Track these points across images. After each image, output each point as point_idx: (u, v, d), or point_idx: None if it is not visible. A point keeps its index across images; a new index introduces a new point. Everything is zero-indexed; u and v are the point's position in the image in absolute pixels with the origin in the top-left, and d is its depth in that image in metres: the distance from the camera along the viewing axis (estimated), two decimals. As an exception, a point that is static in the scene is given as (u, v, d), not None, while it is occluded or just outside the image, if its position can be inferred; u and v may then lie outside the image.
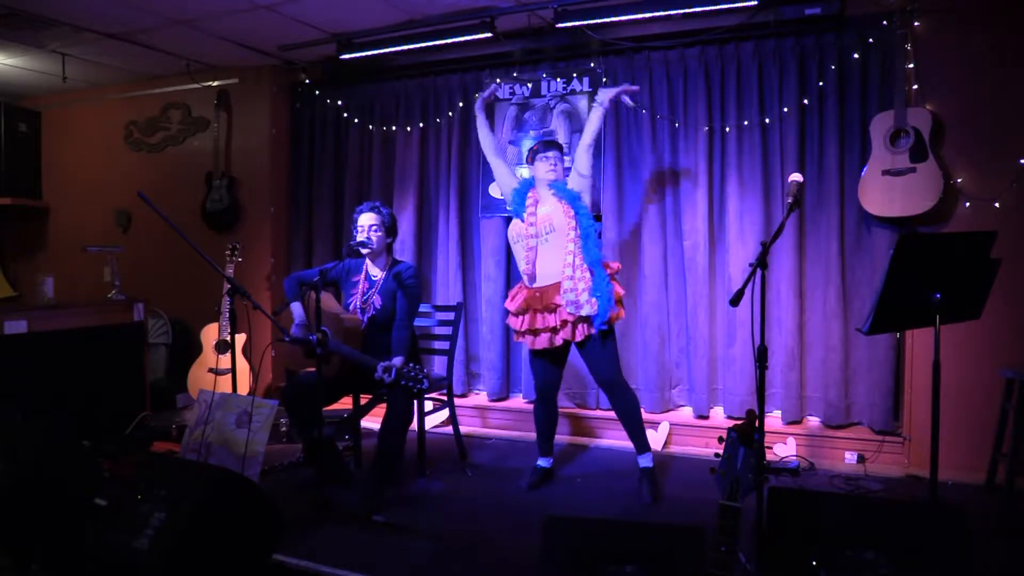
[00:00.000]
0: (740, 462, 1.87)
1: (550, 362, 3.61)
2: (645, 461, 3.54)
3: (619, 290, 3.49)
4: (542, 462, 3.77)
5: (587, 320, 3.39)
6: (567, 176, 3.64)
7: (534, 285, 3.52)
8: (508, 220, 4.87)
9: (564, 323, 3.41)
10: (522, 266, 3.55)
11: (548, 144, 3.63)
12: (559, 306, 3.40)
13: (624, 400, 3.52)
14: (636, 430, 3.54)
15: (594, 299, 3.36)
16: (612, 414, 4.51)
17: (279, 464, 3.97)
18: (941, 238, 3.06)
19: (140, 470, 2.62)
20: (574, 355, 3.65)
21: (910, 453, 3.84)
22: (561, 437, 4.56)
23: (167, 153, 5.84)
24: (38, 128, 6.19)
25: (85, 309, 4.45)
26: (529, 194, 3.59)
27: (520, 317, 3.54)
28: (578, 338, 3.42)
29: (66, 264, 5.84)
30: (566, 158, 3.88)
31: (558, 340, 3.45)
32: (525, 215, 3.54)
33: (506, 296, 4.95)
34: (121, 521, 2.44)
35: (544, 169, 3.57)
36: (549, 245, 3.46)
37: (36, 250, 6.42)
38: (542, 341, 3.48)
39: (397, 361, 3.38)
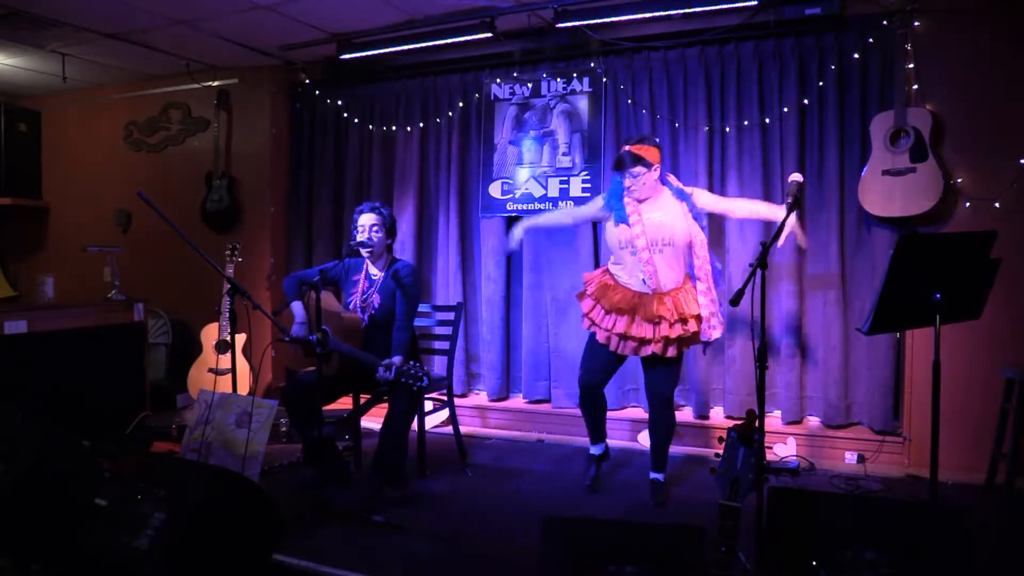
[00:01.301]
0: (740, 462, 1.87)
1: (615, 363, 3.46)
2: (657, 476, 3.45)
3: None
4: (596, 450, 3.63)
5: (683, 340, 3.29)
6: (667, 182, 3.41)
7: (651, 290, 3.29)
8: (508, 220, 4.91)
9: (663, 339, 3.25)
10: (636, 276, 3.32)
11: (636, 158, 3.26)
12: (663, 319, 3.24)
13: (667, 420, 3.43)
14: (663, 450, 3.45)
15: (722, 324, 3.32)
16: (614, 415, 4.54)
17: (279, 464, 3.97)
18: (941, 238, 3.06)
19: (140, 470, 2.62)
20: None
21: (910, 453, 3.84)
22: (562, 438, 4.57)
23: (167, 153, 5.84)
24: (38, 128, 6.19)
25: (85, 309, 4.45)
26: (626, 199, 3.34)
27: (612, 315, 3.33)
28: (670, 354, 3.29)
29: (66, 264, 5.84)
30: (652, 170, 3.32)
31: (646, 351, 3.30)
32: (631, 221, 3.30)
33: (507, 295, 4.99)
34: (121, 521, 2.43)
35: (629, 183, 3.30)
36: (664, 256, 3.29)
37: (36, 250, 6.42)
38: (627, 347, 3.32)
39: (396, 359, 3.38)
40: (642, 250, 3.28)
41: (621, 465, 4.06)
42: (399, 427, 3.38)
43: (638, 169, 3.26)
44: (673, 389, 3.44)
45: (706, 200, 3.41)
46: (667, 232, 3.28)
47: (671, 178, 3.45)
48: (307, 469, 3.80)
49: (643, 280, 3.30)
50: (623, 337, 3.32)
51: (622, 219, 3.32)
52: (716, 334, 3.29)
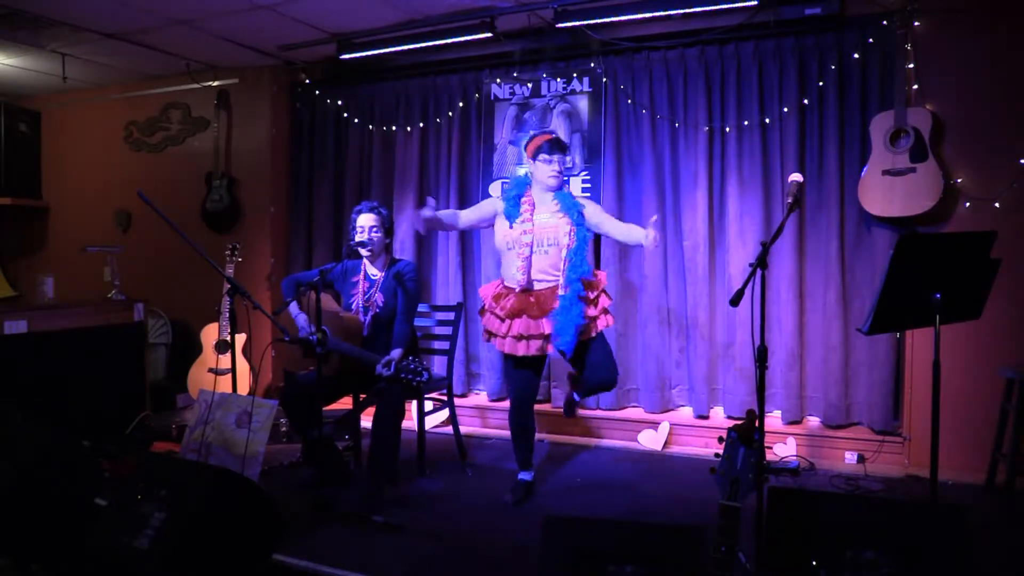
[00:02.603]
0: (740, 462, 1.87)
1: (534, 371, 3.49)
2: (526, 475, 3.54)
3: (604, 301, 3.41)
4: (525, 476, 3.57)
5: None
6: (567, 182, 3.51)
7: (528, 289, 3.40)
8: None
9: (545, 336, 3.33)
10: (511, 272, 3.41)
11: (554, 145, 3.40)
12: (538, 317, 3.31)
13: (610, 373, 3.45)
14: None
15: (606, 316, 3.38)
16: (614, 414, 4.56)
17: (279, 464, 3.97)
18: (941, 238, 3.06)
19: (140, 470, 2.61)
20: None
21: (910, 453, 3.84)
22: (561, 437, 4.57)
23: (167, 153, 5.84)
24: (38, 128, 6.19)
25: (85, 309, 4.45)
26: (524, 198, 3.44)
27: (507, 321, 3.38)
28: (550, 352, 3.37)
29: (66, 264, 5.84)
30: (568, 159, 3.64)
31: (551, 348, 3.36)
32: (518, 221, 3.40)
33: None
34: (121, 521, 2.44)
35: (547, 172, 3.39)
36: (547, 256, 3.36)
37: (36, 250, 6.42)
38: (532, 347, 3.34)
39: (395, 354, 3.38)
40: (522, 246, 3.35)
41: (621, 466, 4.06)
42: (389, 426, 3.38)
43: (557, 156, 3.38)
44: (609, 356, 3.43)
45: (591, 212, 3.43)
46: (550, 233, 3.36)
47: (566, 187, 3.54)
48: (307, 469, 3.80)
49: (514, 275, 3.37)
50: (521, 338, 3.34)
51: (511, 218, 3.41)
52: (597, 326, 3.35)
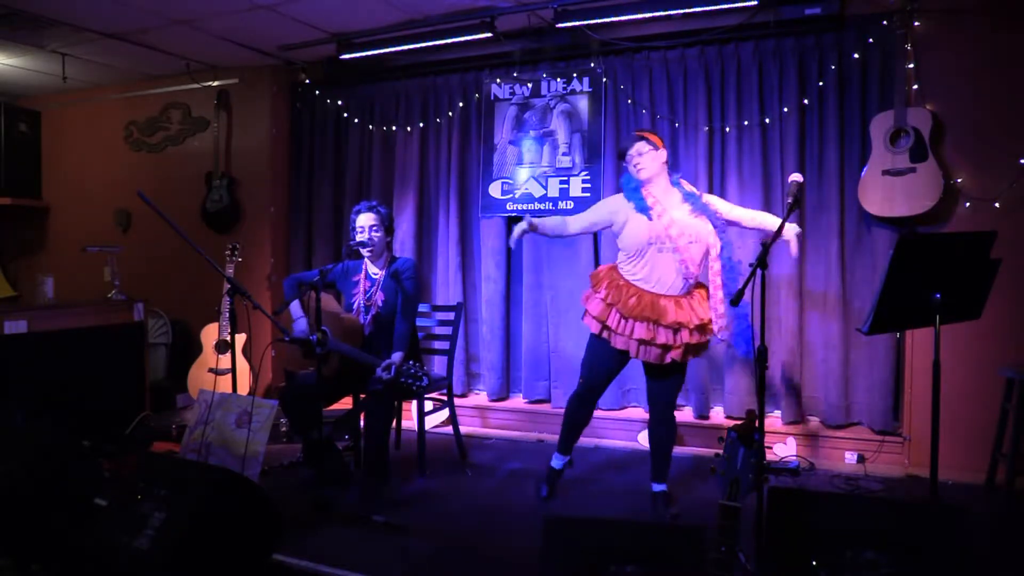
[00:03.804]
0: (740, 462, 1.87)
1: (620, 368, 3.34)
2: (660, 487, 3.34)
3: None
4: (557, 462, 3.47)
5: (700, 347, 3.24)
6: (672, 171, 3.28)
7: (667, 293, 3.17)
8: (508, 220, 4.91)
9: (683, 346, 3.16)
10: (659, 274, 3.16)
11: (640, 137, 3.19)
12: (683, 325, 3.13)
13: (671, 427, 3.33)
14: (666, 458, 3.34)
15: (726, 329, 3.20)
16: (615, 415, 4.55)
17: (279, 464, 3.97)
18: (941, 238, 3.06)
19: (140, 470, 2.62)
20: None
21: (910, 453, 3.84)
22: (561, 437, 4.56)
23: (167, 153, 5.84)
24: (38, 128, 6.18)
25: (85, 309, 4.45)
26: (644, 190, 3.20)
27: (631, 321, 3.14)
28: (681, 359, 3.20)
29: (66, 264, 5.84)
30: (658, 151, 3.24)
31: (668, 357, 3.17)
32: (656, 213, 3.15)
33: (507, 295, 4.99)
34: (121, 521, 2.44)
35: (632, 171, 3.22)
36: (690, 253, 3.16)
37: (36, 250, 6.42)
38: (650, 354, 3.16)
39: (396, 357, 3.38)
40: (677, 238, 3.12)
41: (621, 466, 4.06)
42: (380, 426, 3.41)
43: (642, 145, 3.18)
44: (677, 395, 3.37)
45: (718, 205, 3.28)
46: (693, 230, 3.16)
47: (684, 182, 3.33)
48: (307, 469, 3.80)
49: (679, 273, 3.14)
50: (644, 343, 3.14)
51: (644, 210, 3.15)
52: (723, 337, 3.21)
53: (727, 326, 3.17)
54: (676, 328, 3.14)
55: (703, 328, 3.19)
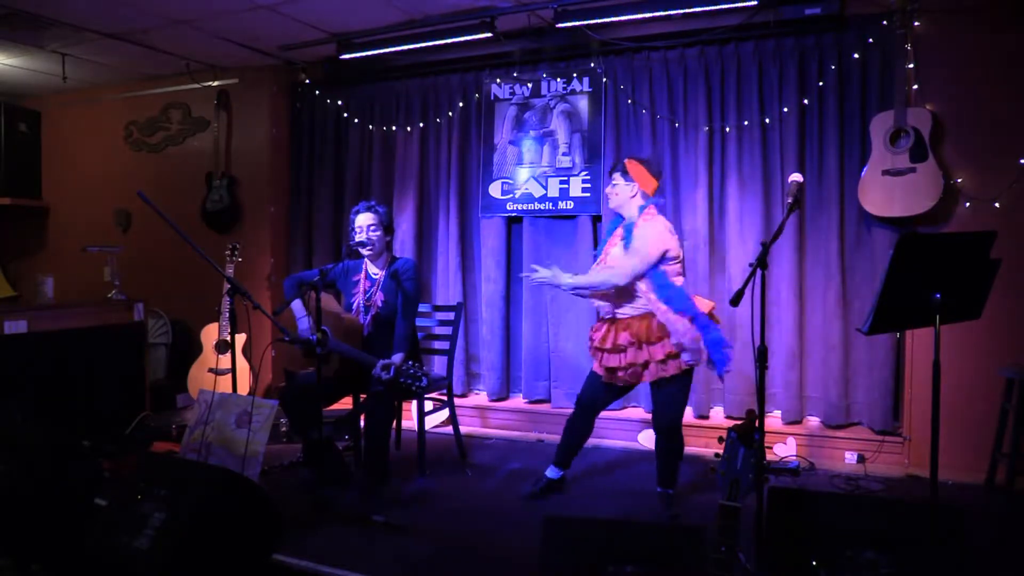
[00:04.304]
0: (740, 462, 1.87)
1: (606, 393, 3.41)
2: (666, 490, 3.33)
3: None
4: (552, 473, 3.51)
5: (646, 365, 3.21)
6: (647, 203, 3.27)
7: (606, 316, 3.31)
8: (508, 220, 4.92)
9: (629, 365, 3.21)
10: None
11: (620, 167, 3.30)
12: (624, 347, 3.21)
13: (669, 446, 3.30)
14: (669, 471, 3.32)
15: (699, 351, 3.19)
16: (615, 415, 4.55)
17: (279, 464, 3.97)
18: (941, 238, 3.06)
19: (140, 470, 2.62)
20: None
21: (910, 453, 3.84)
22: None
23: (167, 153, 5.84)
24: (38, 128, 6.19)
25: (85, 309, 4.45)
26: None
27: (619, 354, 3.24)
28: (646, 379, 3.23)
29: (66, 264, 5.84)
30: (629, 185, 3.30)
31: (647, 376, 3.22)
32: (606, 247, 3.38)
33: (507, 295, 4.99)
34: (121, 521, 2.44)
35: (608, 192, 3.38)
36: None
37: (36, 250, 6.42)
38: (617, 379, 3.29)
39: (396, 358, 3.38)
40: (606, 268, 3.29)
41: (621, 466, 4.06)
42: (380, 426, 3.41)
43: (617, 176, 3.30)
44: (674, 417, 3.27)
45: (619, 255, 3.27)
46: (616, 262, 3.23)
47: (648, 212, 3.26)
48: (307, 469, 3.80)
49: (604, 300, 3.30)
50: (610, 370, 3.29)
51: (602, 244, 3.38)
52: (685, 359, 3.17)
53: (702, 349, 3.16)
54: (626, 349, 3.20)
55: (663, 345, 3.16)
